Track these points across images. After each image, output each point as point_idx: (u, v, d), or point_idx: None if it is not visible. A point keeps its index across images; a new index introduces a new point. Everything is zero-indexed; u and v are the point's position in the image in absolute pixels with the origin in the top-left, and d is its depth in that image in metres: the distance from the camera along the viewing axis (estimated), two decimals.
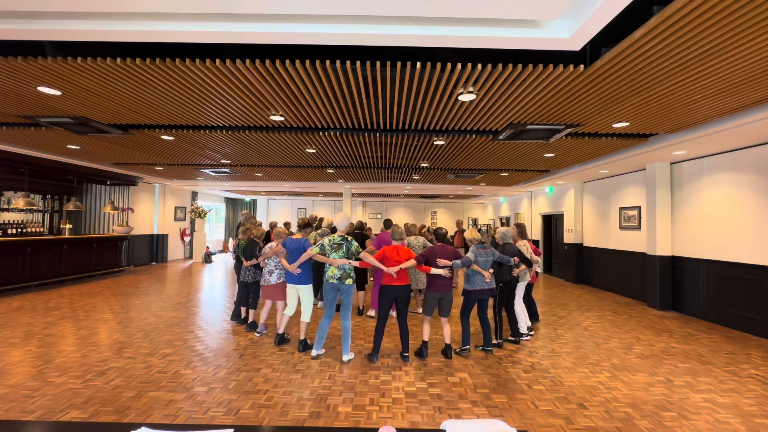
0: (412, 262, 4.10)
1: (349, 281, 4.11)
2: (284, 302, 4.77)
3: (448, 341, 4.28)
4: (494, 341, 4.70)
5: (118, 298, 7.10)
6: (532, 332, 5.14)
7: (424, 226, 9.23)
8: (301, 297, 4.51)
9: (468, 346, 4.35)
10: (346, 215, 4.32)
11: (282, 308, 4.81)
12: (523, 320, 5.02)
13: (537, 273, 5.55)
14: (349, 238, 4.18)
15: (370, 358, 4.11)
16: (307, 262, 4.45)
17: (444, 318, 4.33)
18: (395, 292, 4.14)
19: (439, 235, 4.55)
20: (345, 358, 4.10)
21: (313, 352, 4.18)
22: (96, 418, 2.85)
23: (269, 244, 4.91)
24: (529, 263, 4.84)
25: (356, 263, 4.18)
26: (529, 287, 5.44)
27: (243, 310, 5.49)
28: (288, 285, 4.56)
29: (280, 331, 4.59)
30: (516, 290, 4.98)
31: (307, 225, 4.87)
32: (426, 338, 4.27)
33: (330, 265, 4.13)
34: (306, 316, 4.45)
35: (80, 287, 8.11)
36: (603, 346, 4.76)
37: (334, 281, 4.11)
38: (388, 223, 6.52)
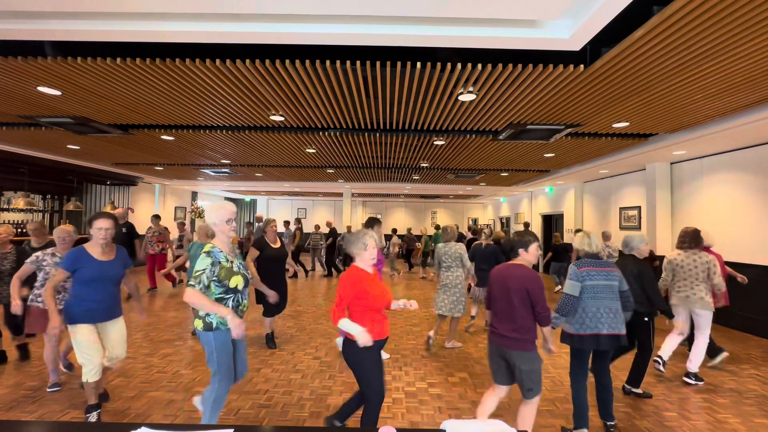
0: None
1: (198, 324, 2.29)
2: (55, 337, 3.12)
3: None
4: (635, 390, 3.38)
5: None
6: (697, 379, 3.70)
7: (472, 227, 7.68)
8: (113, 337, 2.80)
9: (585, 430, 2.61)
10: (225, 205, 2.35)
11: (54, 345, 3.17)
12: (697, 358, 3.68)
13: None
14: (208, 247, 2.26)
15: None
16: (107, 283, 2.71)
17: (525, 399, 2.34)
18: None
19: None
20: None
21: None
22: None
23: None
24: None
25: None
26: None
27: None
28: (79, 326, 2.60)
29: (91, 402, 2.70)
30: (701, 322, 3.71)
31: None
32: None
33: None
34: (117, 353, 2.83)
35: None
36: None
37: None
38: (371, 222, 4.18)
